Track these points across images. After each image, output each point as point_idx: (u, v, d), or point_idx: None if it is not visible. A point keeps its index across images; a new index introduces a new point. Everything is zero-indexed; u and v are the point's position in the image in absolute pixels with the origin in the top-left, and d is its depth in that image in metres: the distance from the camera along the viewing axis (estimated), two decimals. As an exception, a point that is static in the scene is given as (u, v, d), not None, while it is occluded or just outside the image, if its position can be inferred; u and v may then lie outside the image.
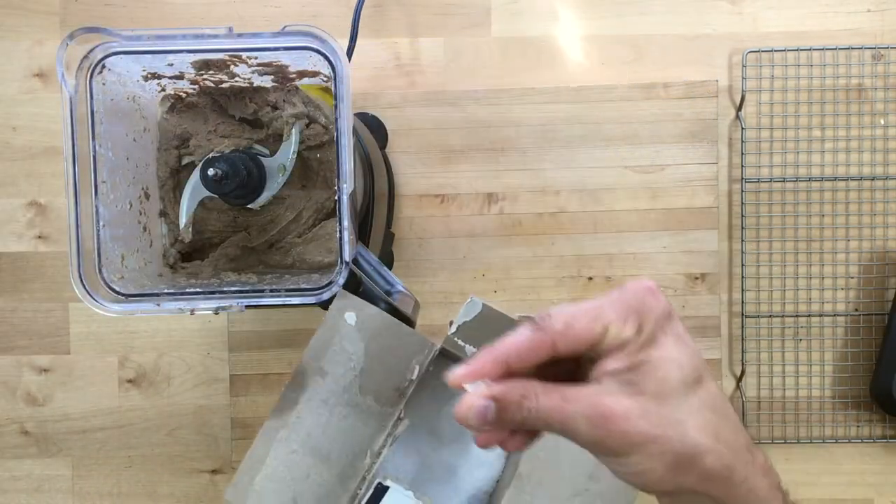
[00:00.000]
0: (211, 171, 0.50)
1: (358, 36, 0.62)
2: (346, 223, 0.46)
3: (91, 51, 0.47)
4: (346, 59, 0.46)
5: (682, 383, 0.31)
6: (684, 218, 0.68)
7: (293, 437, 0.45)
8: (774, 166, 0.70)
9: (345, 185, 0.46)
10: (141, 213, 0.55)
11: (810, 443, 0.70)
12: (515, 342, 0.31)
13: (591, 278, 0.69)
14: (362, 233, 0.58)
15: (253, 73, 0.53)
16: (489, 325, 0.42)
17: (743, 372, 0.70)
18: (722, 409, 0.32)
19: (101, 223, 0.48)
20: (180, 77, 0.54)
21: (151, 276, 0.55)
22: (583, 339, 0.31)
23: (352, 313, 0.44)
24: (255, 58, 0.50)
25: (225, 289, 0.48)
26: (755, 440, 0.70)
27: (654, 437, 0.30)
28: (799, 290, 0.70)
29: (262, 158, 0.55)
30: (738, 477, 0.33)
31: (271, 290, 0.47)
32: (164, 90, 0.57)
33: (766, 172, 0.70)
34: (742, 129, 0.70)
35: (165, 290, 0.49)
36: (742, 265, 0.70)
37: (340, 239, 0.46)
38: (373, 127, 0.67)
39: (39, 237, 0.70)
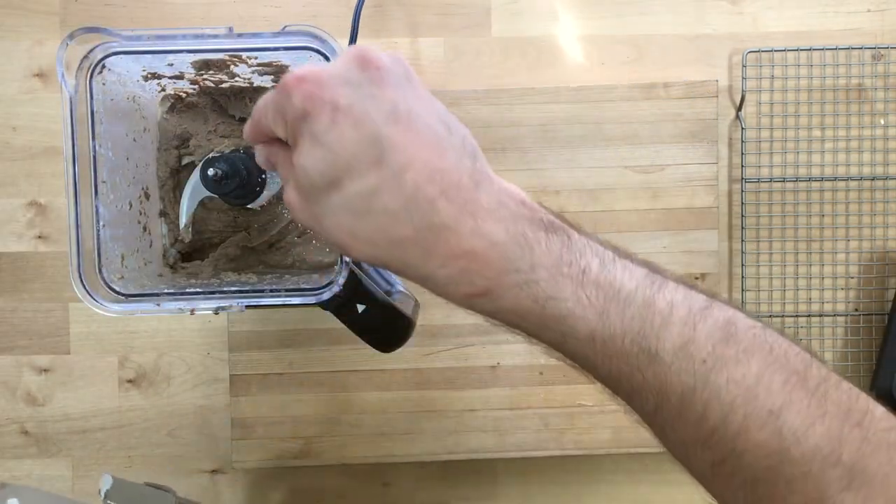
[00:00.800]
0: (211, 171, 0.50)
1: (358, 36, 0.62)
2: None
3: (91, 51, 0.47)
4: None
5: (314, 187, 0.31)
6: (684, 218, 0.68)
7: None
8: (774, 166, 0.70)
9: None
10: (141, 213, 0.55)
11: (810, 443, 0.70)
12: (251, 123, 0.35)
13: (591, 278, 0.69)
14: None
15: (253, 73, 0.53)
16: (125, 492, 0.42)
17: (743, 372, 0.70)
18: (363, 207, 0.30)
19: (101, 223, 0.48)
20: (180, 77, 0.54)
21: (151, 276, 0.55)
22: (270, 133, 0.33)
23: (14, 500, 0.42)
24: (255, 58, 0.50)
25: (225, 289, 0.48)
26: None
27: (310, 228, 0.33)
28: (799, 290, 0.70)
29: None
30: (415, 272, 0.32)
31: (271, 290, 0.47)
32: (164, 90, 0.57)
33: (766, 172, 0.70)
34: (742, 129, 0.70)
35: (165, 290, 0.49)
36: (742, 265, 0.70)
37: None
38: (373, 127, 0.67)
39: (39, 237, 0.70)
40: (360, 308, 0.37)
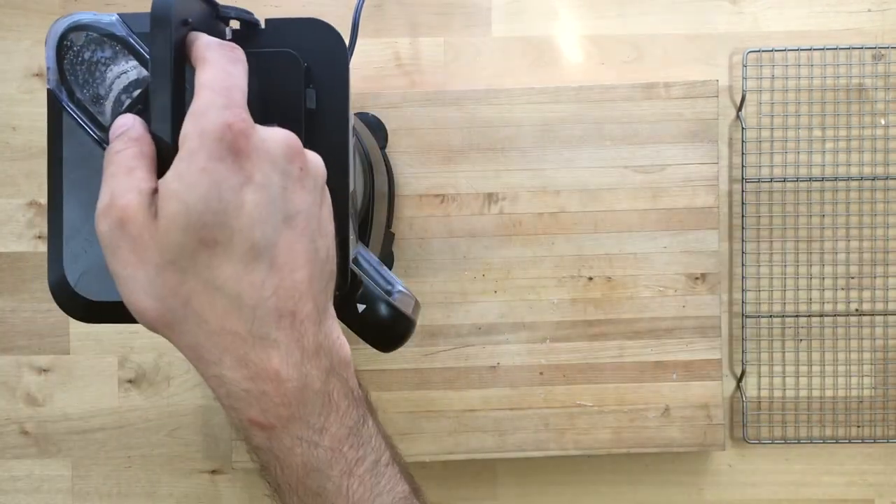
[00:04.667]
0: None
1: (358, 35, 0.62)
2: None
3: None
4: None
5: (176, 222, 0.27)
6: (685, 218, 0.68)
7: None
8: (775, 166, 0.70)
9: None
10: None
11: (810, 443, 0.70)
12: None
13: (591, 278, 0.69)
14: (362, 233, 0.58)
15: None
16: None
17: (743, 372, 0.70)
18: (213, 279, 0.28)
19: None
20: None
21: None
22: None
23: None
24: None
25: None
26: (756, 440, 0.70)
27: (108, 247, 0.29)
28: (799, 290, 0.70)
29: None
30: (215, 369, 0.29)
31: None
32: None
33: (766, 172, 0.70)
34: (742, 128, 0.70)
35: None
36: (742, 265, 0.70)
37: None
38: (373, 127, 0.67)
39: (39, 237, 0.70)
40: (361, 308, 0.37)
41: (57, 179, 0.32)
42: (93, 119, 0.32)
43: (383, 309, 0.37)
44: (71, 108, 0.32)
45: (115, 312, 0.33)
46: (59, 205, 0.32)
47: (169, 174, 0.27)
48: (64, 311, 0.34)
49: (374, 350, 0.69)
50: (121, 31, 0.32)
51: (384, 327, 0.37)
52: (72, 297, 0.34)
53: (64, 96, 0.32)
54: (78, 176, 0.32)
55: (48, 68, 0.32)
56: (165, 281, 0.27)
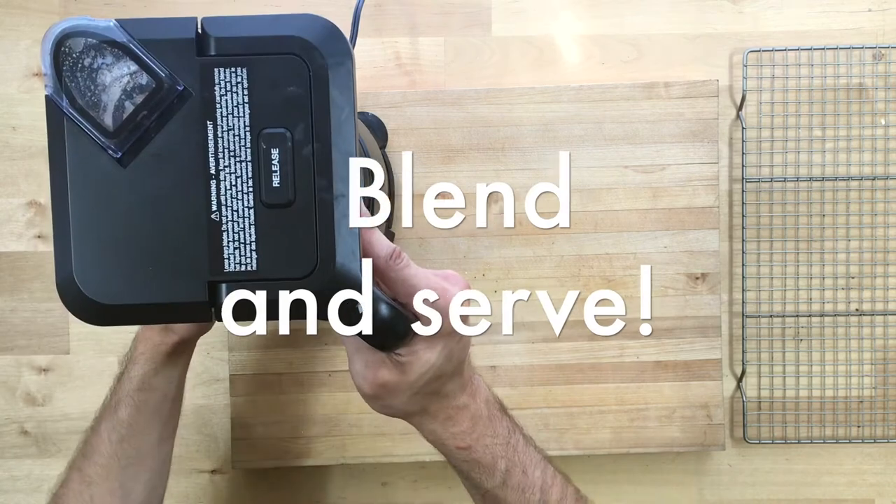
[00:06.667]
0: None
1: (358, 35, 0.62)
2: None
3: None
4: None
5: (425, 375, 0.41)
6: (685, 218, 0.68)
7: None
8: (775, 166, 0.70)
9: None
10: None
11: (810, 443, 0.70)
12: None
13: (591, 278, 0.69)
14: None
15: None
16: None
17: (743, 372, 0.70)
18: (434, 390, 0.42)
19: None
20: None
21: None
22: (409, 291, 0.41)
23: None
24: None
25: None
26: (756, 440, 0.70)
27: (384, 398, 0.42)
28: (799, 290, 0.70)
29: None
30: (432, 434, 0.45)
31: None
32: None
33: (766, 172, 0.70)
34: (743, 128, 0.70)
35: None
36: (742, 265, 0.70)
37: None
38: (373, 126, 0.67)
39: (39, 237, 0.70)
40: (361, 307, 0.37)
41: (61, 182, 0.33)
42: (95, 124, 0.33)
43: (384, 309, 0.37)
44: (72, 114, 0.33)
45: (121, 315, 0.34)
46: (64, 206, 0.33)
47: None
48: (71, 311, 0.34)
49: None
50: (121, 36, 0.32)
51: (384, 327, 0.37)
52: (78, 297, 0.34)
53: (64, 102, 0.32)
54: (81, 177, 0.33)
55: (45, 75, 0.32)
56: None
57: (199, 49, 0.33)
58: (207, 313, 0.34)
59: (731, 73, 0.71)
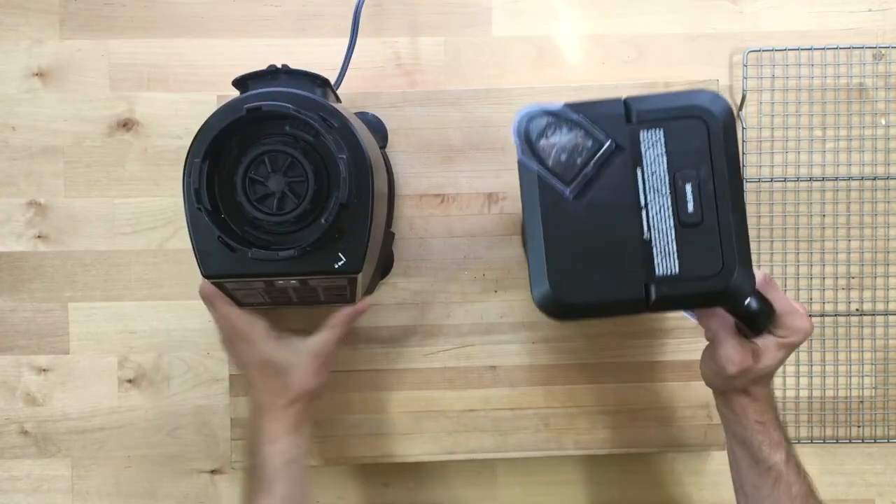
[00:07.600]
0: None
1: (358, 35, 0.62)
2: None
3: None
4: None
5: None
6: (685, 218, 0.68)
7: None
8: (775, 166, 0.70)
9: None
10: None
11: (810, 443, 0.70)
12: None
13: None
14: (362, 233, 0.58)
15: None
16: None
17: (743, 372, 0.70)
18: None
19: None
20: None
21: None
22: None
23: None
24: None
25: None
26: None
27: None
28: (799, 290, 0.70)
29: None
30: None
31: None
32: None
33: (766, 172, 0.70)
34: (743, 128, 0.70)
35: None
36: (742, 265, 0.70)
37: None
38: (373, 126, 0.67)
39: (39, 237, 0.70)
40: None
41: (534, 219, 0.47)
42: (557, 176, 0.46)
43: (757, 303, 0.50)
44: (542, 173, 0.47)
45: (582, 310, 0.48)
46: (538, 236, 0.47)
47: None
48: (543, 310, 0.47)
49: (376, 350, 0.70)
50: (572, 115, 0.46)
51: (758, 313, 0.50)
52: (551, 299, 0.46)
53: (534, 164, 0.47)
54: (550, 214, 0.46)
55: (516, 144, 0.47)
56: None
57: (626, 118, 0.46)
58: (643, 307, 0.46)
59: (732, 72, 0.71)
